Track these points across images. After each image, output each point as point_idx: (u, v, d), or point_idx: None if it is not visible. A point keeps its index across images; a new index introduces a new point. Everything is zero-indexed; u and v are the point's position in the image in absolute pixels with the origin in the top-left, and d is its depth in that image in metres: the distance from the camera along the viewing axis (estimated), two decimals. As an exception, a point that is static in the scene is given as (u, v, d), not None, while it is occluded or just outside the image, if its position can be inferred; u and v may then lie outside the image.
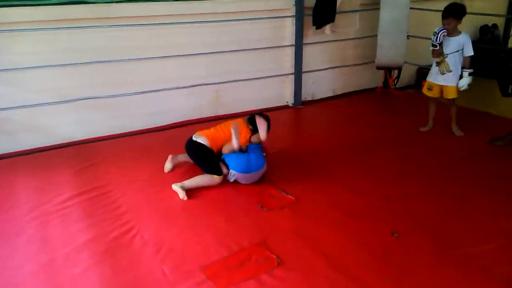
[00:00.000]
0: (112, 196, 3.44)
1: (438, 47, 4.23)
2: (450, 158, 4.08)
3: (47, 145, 4.58)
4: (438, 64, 4.41)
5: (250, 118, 3.68)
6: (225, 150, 3.52)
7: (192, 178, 3.46)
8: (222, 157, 3.52)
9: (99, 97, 4.75)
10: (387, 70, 6.64)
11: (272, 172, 3.78)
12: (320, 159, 4.15)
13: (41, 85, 4.47)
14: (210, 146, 3.52)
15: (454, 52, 4.30)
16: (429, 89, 4.59)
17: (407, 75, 7.04)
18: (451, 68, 4.34)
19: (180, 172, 3.81)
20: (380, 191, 3.42)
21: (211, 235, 2.84)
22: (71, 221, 3.06)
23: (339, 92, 6.68)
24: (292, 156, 4.22)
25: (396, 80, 6.90)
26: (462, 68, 4.36)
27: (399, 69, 6.59)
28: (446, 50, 4.30)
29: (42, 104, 4.46)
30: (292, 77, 6.04)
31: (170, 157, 3.88)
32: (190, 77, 5.28)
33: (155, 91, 5.05)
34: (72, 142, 4.70)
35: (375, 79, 6.94)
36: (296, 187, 3.50)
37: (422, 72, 7.10)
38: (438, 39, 4.16)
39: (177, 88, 5.19)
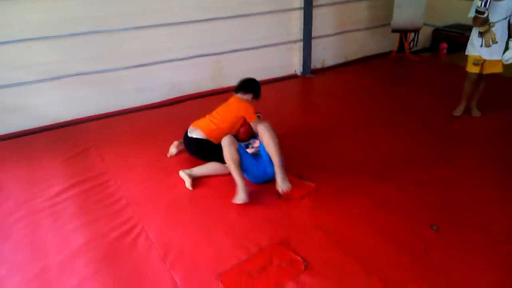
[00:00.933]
0: (109, 187, 3.13)
1: (485, 14, 3.52)
2: (487, 139, 3.72)
3: (32, 127, 4.22)
4: (482, 34, 3.69)
5: (241, 87, 3.36)
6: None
7: (203, 166, 3.15)
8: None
9: (87, 73, 4.34)
10: (403, 33, 6.18)
11: (285, 155, 3.44)
12: (335, 137, 3.82)
13: (23, 60, 4.04)
14: (208, 137, 3.17)
15: (501, 19, 3.60)
16: (475, 64, 3.82)
17: (422, 37, 6.57)
18: (497, 39, 3.66)
19: (183, 157, 3.48)
20: (410, 175, 3.10)
21: (224, 234, 2.54)
22: (65, 220, 2.76)
23: (351, 58, 6.25)
24: (304, 134, 3.88)
25: (412, 43, 6.45)
26: (509, 37, 3.67)
27: (417, 31, 6.13)
28: (492, 18, 3.61)
29: (25, 82, 4.06)
30: (301, 43, 5.59)
31: (176, 142, 3.54)
32: (188, 47, 4.84)
33: (149, 64, 4.63)
34: (60, 123, 4.34)
35: (389, 43, 6.49)
36: (313, 171, 3.18)
37: (438, 34, 6.65)
38: (487, 3, 3.44)
39: (174, 60, 4.75)
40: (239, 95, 3.35)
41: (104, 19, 4.25)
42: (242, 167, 2.88)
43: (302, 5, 5.32)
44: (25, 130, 4.18)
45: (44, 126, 4.27)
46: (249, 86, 3.38)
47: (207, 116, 3.32)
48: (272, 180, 2.98)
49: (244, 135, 3.28)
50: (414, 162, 3.30)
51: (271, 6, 5.20)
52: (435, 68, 5.93)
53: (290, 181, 2.99)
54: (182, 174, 3.11)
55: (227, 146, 2.83)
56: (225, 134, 3.03)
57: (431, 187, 2.95)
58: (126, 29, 4.38)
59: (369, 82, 5.33)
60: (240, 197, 2.76)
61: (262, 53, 5.36)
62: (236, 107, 3.26)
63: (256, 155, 3.09)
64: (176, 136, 3.53)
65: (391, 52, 6.44)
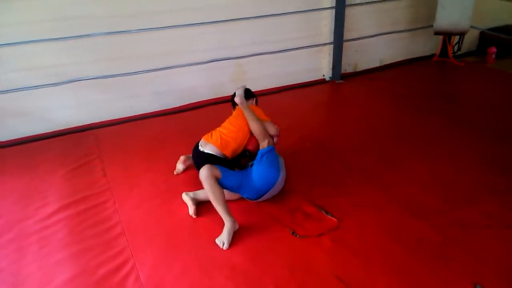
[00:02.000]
0: (106, 209, 2.86)
1: None
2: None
3: (38, 133, 4.04)
4: None
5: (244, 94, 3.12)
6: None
7: None
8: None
9: (100, 77, 4.09)
10: (447, 35, 5.61)
11: (305, 178, 3.07)
12: (364, 156, 3.39)
13: (30, 62, 3.85)
14: (222, 153, 2.87)
15: None
16: None
17: (467, 39, 5.95)
18: None
19: (192, 174, 3.16)
20: (452, 214, 2.65)
21: (224, 277, 2.20)
22: (52, 248, 2.51)
23: (387, 62, 5.74)
24: (329, 152, 3.48)
25: (456, 46, 5.86)
26: None
27: (463, 35, 5.54)
28: None
29: (33, 86, 3.87)
30: (331, 45, 5.15)
31: (182, 158, 3.25)
32: (207, 50, 4.52)
33: (166, 68, 4.33)
34: (68, 129, 4.14)
35: (430, 46, 5.92)
36: (337, 201, 2.79)
37: (486, 36, 6.01)
38: None
39: (192, 64, 4.43)
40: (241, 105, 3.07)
41: (118, 19, 4.00)
42: (233, 190, 2.66)
43: (334, 4, 4.87)
44: (30, 136, 4.01)
45: (52, 132, 4.08)
46: (247, 92, 3.18)
47: (217, 129, 3.02)
48: (288, 211, 2.62)
49: (255, 146, 2.95)
50: (458, 196, 2.83)
51: (298, 5, 4.80)
52: (483, 75, 5.34)
53: (309, 214, 2.63)
54: (186, 197, 2.80)
55: (206, 179, 2.51)
56: (240, 147, 2.89)
57: (478, 230, 2.49)
58: (142, 30, 4.11)
59: (407, 90, 4.83)
60: (222, 238, 2.41)
61: (288, 56, 4.97)
62: (238, 113, 3.04)
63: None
64: (189, 147, 3.19)
65: (432, 56, 5.88)
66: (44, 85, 3.88)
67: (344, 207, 2.73)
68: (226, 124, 3.03)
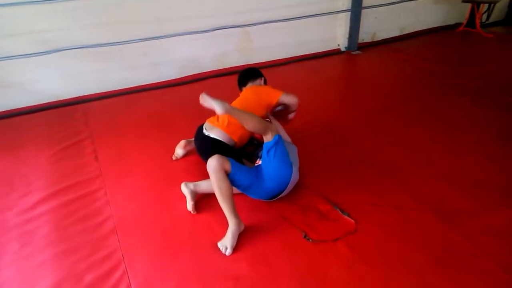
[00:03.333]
0: (97, 200, 2.63)
1: None
2: None
3: (22, 106, 3.74)
4: None
5: (246, 76, 2.92)
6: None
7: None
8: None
9: (91, 46, 3.72)
10: (476, 3, 5.15)
11: (317, 169, 2.80)
12: (384, 145, 3.11)
13: (13, 28, 3.49)
14: (230, 137, 2.59)
15: None
16: None
17: (497, 7, 5.50)
18: None
19: (193, 161, 2.89)
20: (485, 218, 2.38)
21: (227, 289, 1.97)
22: (35, 247, 2.28)
23: (408, 31, 5.33)
24: (342, 139, 3.19)
25: (485, 15, 5.42)
26: None
27: (494, 2, 5.08)
28: None
29: (16, 55, 3.52)
30: (348, 12, 4.72)
31: (183, 142, 2.98)
32: (210, 16, 4.12)
33: (163, 37, 3.95)
34: (55, 102, 3.86)
35: (456, 15, 5.48)
36: (353, 198, 2.53)
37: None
38: None
39: (194, 32, 4.04)
40: (249, 84, 2.86)
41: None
42: (242, 188, 2.37)
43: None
44: (13, 110, 3.71)
45: (37, 106, 3.79)
46: (254, 72, 2.96)
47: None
48: (299, 209, 2.37)
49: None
50: (492, 196, 2.55)
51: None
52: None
53: (323, 213, 2.37)
54: (185, 190, 2.54)
55: (215, 172, 2.22)
56: (247, 132, 2.61)
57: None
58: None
59: (429, 65, 4.46)
60: (225, 242, 2.16)
61: (299, 24, 4.56)
62: (256, 93, 2.77)
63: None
64: (188, 125, 2.92)
65: (458, 25, 5.44)
66: (28, 54, 3.54)
67: (361, 206, 2.47)
68: (234, 105, 2.72)
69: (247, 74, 2.95)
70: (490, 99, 3.69)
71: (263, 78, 2.95)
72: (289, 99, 2.72)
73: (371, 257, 2.14)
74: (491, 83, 4.02)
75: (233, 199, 2.27)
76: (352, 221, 2.36)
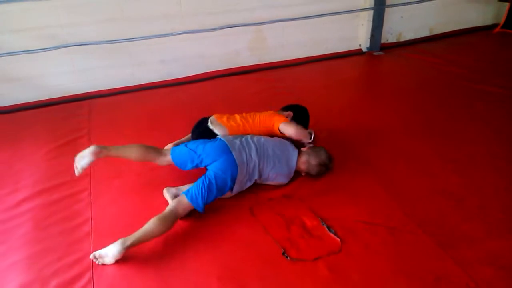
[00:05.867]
0: (80, 201, 2.62)
1: None
2: None
3: (29, 101, 3.82)
4: None
5: (285, 107, 2.91)
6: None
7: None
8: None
9: (98, 43, 3.75)
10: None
11: (309, 179, 2.67)
12: (387, 157, 2.92)
13: (23, 23, 3.56)
14: None
15: None
16: None
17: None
18: None
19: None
20: (487, 244, 2.17)
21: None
22: (11, 246, 2.30)
23: (438, 32, 5.02)
24: (353, 145, 3.03)
25: (527, 15, 5.02)
26: None
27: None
28: None
29: (23, 50, 3.59)
30: (371, 10, 4.50)
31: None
32: (221, 13, 4.04)
33: (173, 34, 3.91)
34: (61, 98, 3.91)
35: (492, 14, 5.11)
36: (343, 213, 2.40)
37: None
38: None
39: (202, 30, 3.97)
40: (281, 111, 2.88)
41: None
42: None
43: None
44: (22, 104, 3.81)
45: (44, 101, 3.87)
46: (294, 107, 2.91)
47: (237, 116, 2.75)
48: (286, 223, 2.26)
49: None
50: (498, 220, 2.32)
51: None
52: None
53: (308, 230, 2.25)
54: (167, 195, 2.51)
55: (170, 212, 2.26)
56: None
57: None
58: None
59: (460, 69, 4.17)
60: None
61: (318, 21, 4.40)
62: (271, 115, 2.76)
63: None
64: (190, 126, 2.87)
65: (494, 26, 5.07)
66: (37, 49, 3.60)
67: (350, 223, 2.32)
68: (254, 117, 2.74)
69: (288, 105, 2.93)
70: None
71: (292, 113, 2.85)
72: (288, 130, 2.66)
73: (351, 281, 2.00)
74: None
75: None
76: (338, 239, 2.22)
